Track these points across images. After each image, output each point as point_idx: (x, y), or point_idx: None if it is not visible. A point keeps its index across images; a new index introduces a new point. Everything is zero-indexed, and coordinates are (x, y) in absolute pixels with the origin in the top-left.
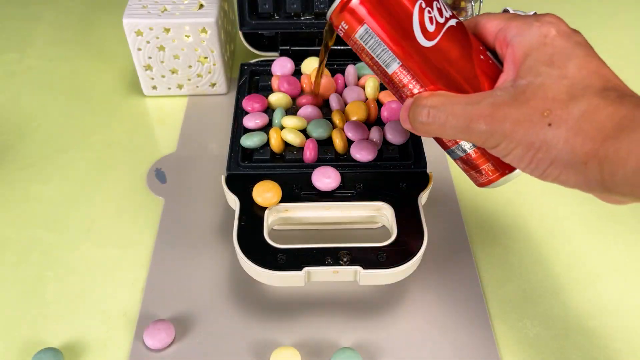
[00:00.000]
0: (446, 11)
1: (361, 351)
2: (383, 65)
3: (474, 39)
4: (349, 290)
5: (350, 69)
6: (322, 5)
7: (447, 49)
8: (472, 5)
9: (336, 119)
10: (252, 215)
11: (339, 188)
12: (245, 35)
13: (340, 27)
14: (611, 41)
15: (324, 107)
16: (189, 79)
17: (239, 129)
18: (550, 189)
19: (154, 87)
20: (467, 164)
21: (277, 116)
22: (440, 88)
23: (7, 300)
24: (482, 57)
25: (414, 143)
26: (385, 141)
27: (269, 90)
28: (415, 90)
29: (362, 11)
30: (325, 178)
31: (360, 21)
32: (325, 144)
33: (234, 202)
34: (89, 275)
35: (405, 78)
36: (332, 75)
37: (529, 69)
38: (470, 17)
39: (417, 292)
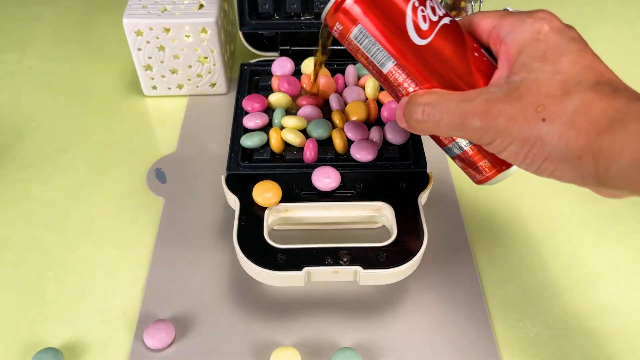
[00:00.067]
0: (439, 9)
1: (361, 351)
2: (378, 65)
3: (468, 36)
4: (349, 290)
5: (350, 69)
6: (322, 5)
7: (441, 47)
8: (472, 5)
9: (336, 119)
10: (252, 215)
11: (339, 188)
12: (245, 35)
13: (335, 28)
14: (610, 40)
15: (324, 107)
16: (189, 79)
17: (239, 129)
18: (550, 189)
19: (154, 87)
20: (465, 162)
21: (277, 116)
22: (436, 86)
23: (7, 300)
24: (476, 54)
25: (414, 143)
26: (385, 141)
27: (269, 90)
28: (411, 89)
29: (355, 11)
30: (325, 178)
31: (354, 21)
32: (325, 144)
33: (234, 202)
34: (89, 275)
35: (400, 77)
36: (332, 75)
37: (522, 65)
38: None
39: (417, 292)
